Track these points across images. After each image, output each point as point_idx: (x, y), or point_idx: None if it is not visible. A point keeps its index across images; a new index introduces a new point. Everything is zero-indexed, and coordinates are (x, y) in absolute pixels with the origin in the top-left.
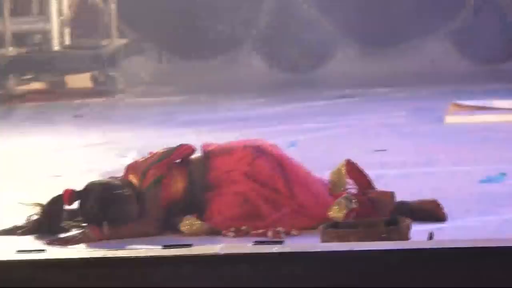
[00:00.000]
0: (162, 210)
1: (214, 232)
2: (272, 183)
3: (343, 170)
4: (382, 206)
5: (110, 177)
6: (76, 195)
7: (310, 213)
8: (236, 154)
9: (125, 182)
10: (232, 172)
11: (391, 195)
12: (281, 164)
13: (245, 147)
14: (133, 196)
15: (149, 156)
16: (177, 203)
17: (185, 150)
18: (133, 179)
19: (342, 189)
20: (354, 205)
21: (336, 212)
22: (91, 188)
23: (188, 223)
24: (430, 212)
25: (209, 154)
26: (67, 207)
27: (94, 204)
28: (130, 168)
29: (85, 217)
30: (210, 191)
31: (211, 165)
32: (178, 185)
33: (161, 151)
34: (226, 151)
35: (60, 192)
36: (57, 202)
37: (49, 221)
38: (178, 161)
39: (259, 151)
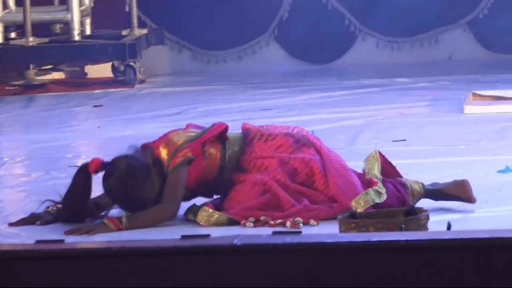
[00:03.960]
0: (184, 192)
1: (233, 223)
2: (305, 174)
3: (376, 157)
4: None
5: (144, 145)
6: (103, 165)
7: (339, 206)
8: (276, 141)
9: (153, 157)
10: (268, 158)
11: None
12: (320, 155)
13: (286, 134)
14: (156, 179)
15: (185, 129)
16: (208, 183)
17: (217, 128)
18: (163, 153)
19: (378, 176)
20: (379, 200)
21: (359, 206)
22: (116, 164)
23: (206, 214)
24: (459, 194)
25: (248, 135)
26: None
27: (114, 182)
28: (163, 141)
29: (105, 191)
30: (238, 173)
31: (248, 147)
32: (212, 164)
33: (194, 131)
34: (266, 135)
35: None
36: (84, 169)
37: (76, 193)
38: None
39: (299, 142)
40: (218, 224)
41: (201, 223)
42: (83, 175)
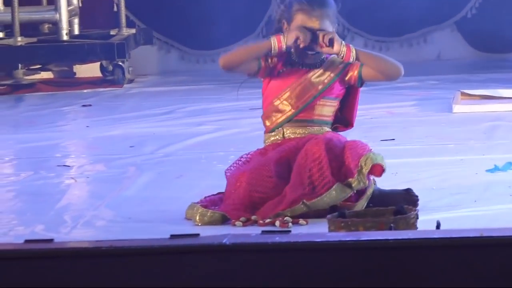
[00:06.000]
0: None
1: (226, 219)
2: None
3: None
4: None
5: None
6: None
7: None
8: (311, 148)
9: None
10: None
11: None
12: None
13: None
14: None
15: None
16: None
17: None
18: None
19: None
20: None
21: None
22: None
23: (200, 212)
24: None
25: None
26: None
27: None
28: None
29: None
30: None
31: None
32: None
33: None
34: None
35: None
36: None
37: None
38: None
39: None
40: (213, 222)
41: (196, 222)
42: None
